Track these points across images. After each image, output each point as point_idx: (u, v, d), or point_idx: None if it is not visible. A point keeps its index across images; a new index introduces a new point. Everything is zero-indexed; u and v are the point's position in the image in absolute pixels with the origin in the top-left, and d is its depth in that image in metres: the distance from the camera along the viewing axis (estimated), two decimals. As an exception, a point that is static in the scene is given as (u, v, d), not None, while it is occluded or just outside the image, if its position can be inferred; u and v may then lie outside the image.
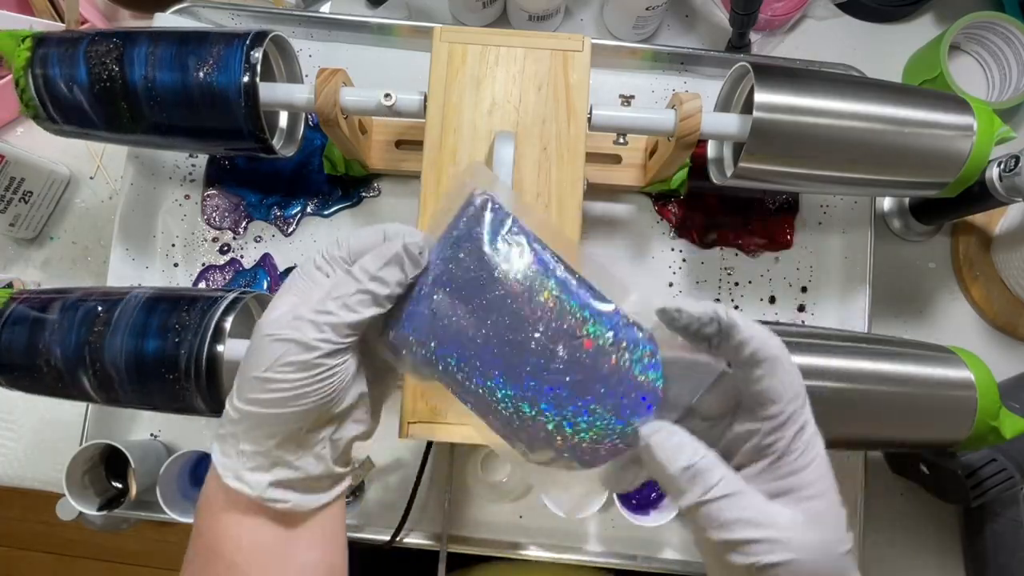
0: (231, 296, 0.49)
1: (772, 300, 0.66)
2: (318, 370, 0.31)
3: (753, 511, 0.29)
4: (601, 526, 0.63)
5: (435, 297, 0.31)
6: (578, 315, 0.29)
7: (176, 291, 0.50)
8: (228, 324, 0.47)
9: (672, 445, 0.29)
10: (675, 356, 0.31)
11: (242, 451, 0.33)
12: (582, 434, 0.29)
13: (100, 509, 0.58)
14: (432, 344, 0.31)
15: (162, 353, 0.46)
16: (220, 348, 0.46)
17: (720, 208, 0.67)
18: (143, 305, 0.48)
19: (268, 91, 0.52)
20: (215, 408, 0.48)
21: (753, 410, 0.31)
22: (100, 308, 0.48)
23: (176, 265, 0.66)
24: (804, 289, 0.67)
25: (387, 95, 0.52)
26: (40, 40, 0.52)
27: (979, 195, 0.58)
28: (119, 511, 0.59)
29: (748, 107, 0.53)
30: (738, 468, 0.31)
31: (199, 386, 0.46)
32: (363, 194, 0.67)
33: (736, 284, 0.67)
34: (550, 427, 0.29)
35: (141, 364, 0.47)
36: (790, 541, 0.28)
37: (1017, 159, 0.54)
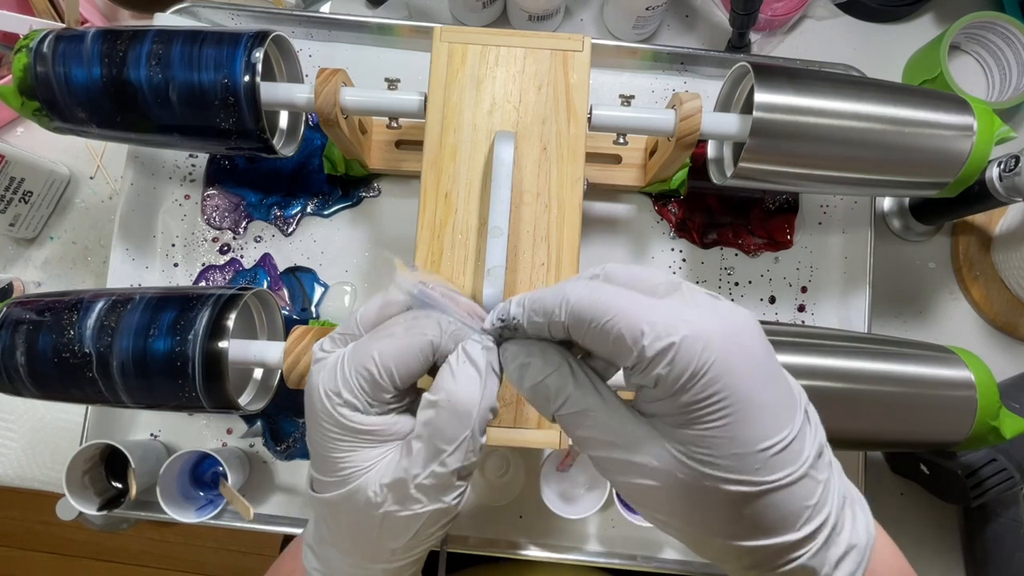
0: (230, 292, 0.49)
1: (772, 300, 0.66)
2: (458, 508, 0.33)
3: (603, 428, 0.29)
4: (601, 526, 0.63)
5: None
6: None
7: (177, 291, 0.51)
8: (231, 323, 0.47)
9: (518, 358, 0.30)
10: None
11: None
12: None
13: (100, 509, 0.58)
14: None
15: (165, 353, 0.47)
16: (223, 345, 0.46)
17: (720, 208, 0.67)
18: (145, 305, 0.48)
19: (269, 91, 0.52)
20: (218, 406, 0.48)
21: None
22: (101, 310, 0.48)
23: (176, 265, 0.66)
24: (804, 289, 0.67)
25: (391, 82, 0.53)
26: (41, 39, 0.52)
27: (979, 195, 0.58)
28: (119, 511, 0.59)
29: (748, 107, 0.53)
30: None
31: (204, 385, 0.47)
32: (363, 194, 0.67)
33: (736, 284, 0.67)
34: None
35: (145, 364, 0.47)
36: (648, 465, 0.27)
37: (1017, 159, 0.54)
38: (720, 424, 0.26)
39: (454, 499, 0.31)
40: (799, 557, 0.27)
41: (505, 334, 0.32)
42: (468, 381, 0.30)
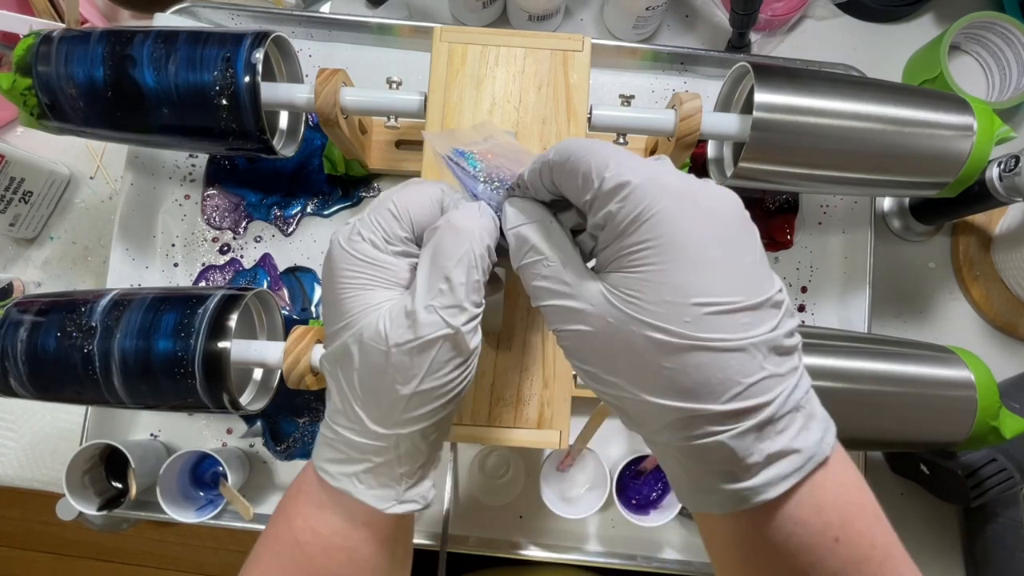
0: (231, 292, 0.49)
1: (772, 300, 0.66)
2: (472, 358, 0.32)
3: (553, 278, 0.29)
4: (601, 526, 0.63)
5: None
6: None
7: (178, 291, 0.51)
8: (232, 323, 0.47)
9: (509, 212, 0.32)
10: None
11: (402, 474, 0.33)
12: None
13: (100, 509, 0.58)
14: None
15: (167, 353, 0.47)
16: (226, 345, 0.46)
17: (720, 208, 0.67)
18: (147, 306, 0.48)
19: (269, 91, 0.52)
20: (219, 406, 0.48)
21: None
22: (102, 310, 0.48)
23: (176, 265, 0.66)
24: (804, 289, 0.67)
25: (393, 83, 0.53)
26: (42, 39, 0.52)
27: (979, 195, 0.58)
28: (119, 511, 0.59)
29: (748, 107, 0.53)
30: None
31: (205, 385, 0.47)
32: (363, 194, 0.67)
33: (736, 284, 0.67)
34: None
35: (147, 365, 0.47)
36: (585, 311, 0.28)
37: (1017, 159, 0.54)
38: (653, 268, 0.26)
39: (465, 325, 0.31)
40: (718, 433, 0.25)
41: (515, 194, 0.34)
42: (466, 209, 0.32)
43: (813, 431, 0.26)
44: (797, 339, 0.27)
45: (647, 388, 0.26)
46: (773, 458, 0.26)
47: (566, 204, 0.31)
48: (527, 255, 0.30)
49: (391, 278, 0.33)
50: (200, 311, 0.48)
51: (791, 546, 0.26)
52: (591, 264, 0.30)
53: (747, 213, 0.28)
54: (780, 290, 0.27)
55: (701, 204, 0.26)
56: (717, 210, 0.27)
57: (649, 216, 0.26)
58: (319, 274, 0.66)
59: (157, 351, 0.47)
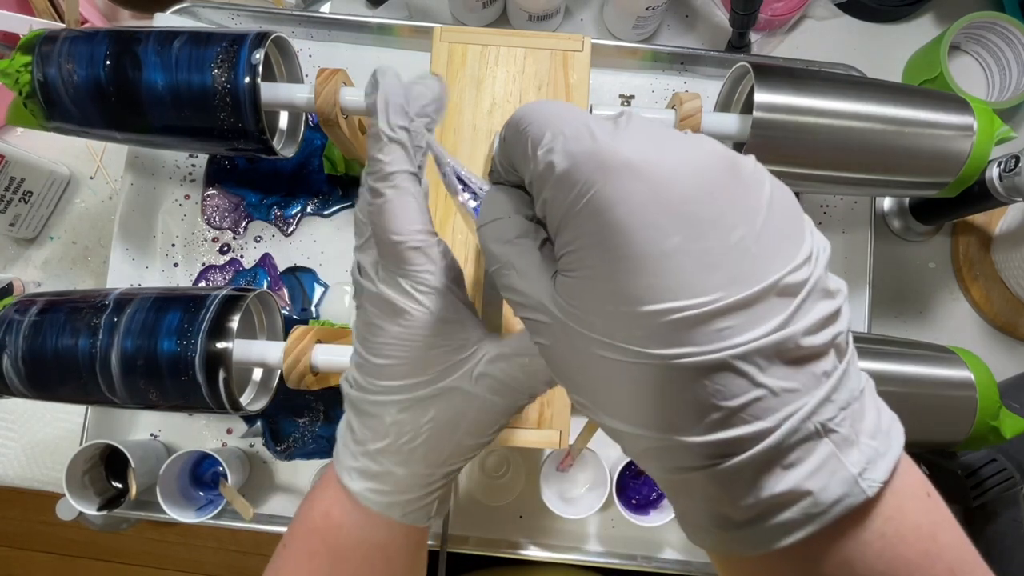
0: (232, 293, 0.49)
1: (772, 300, 0.66)
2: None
3: (516, 290, 0.24)
4: (601, 526, 0.63)
5: None
6: None
7: (179, 291, 0.51)
8: (234, 324, 0.47)
9: (482, 207, 0.27)
10: None
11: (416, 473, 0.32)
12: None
13: (100, 509, 0.58)
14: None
15: (169, 354, 0.47)
16: (228, 345, 0.46)
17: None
18: (148, 306, 0.48)
19: (269, 91, 0.52)
20: (221, 406, 0.48)
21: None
22: (103, 310, 0.48)
23: (176, 265, 0.66)
24: (804, 289, 0.67)
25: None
26: (42, 39, 0.52)
27: (979, 195, 0.58)
28: (119, 511, 0.59)
29: (748, 107, 0.53)
30: None
31: (207, 385, 0.47)
32: (363, 194, 0.67)
33: (736, 284, 0.67)
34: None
35: (149, 365, 0.47)
36: (540, 322, 0.23)
37: (1017, 159, 0.54)
38: (590, 269, 0.20)
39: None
40: (697, 468, 0.20)
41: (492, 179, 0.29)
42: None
43: (845, 464, 0.19)
44: (830, 333, 0.20)
45: (610, 412, 0.22)
46: (778, 502, 0.19)
47: None
48: (489, 262, 0.25)
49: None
50: (202, 312, 0.48)
51: None
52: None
53: (743, 167, 0.20)
54: (801, 265, 0.19)
55: (650, 179, 0.19)
56: (675, 181, 0.19)
57: (580, 206, 0.20)
58: (319, 274, 0.66)
59: (158, 351, 0.47)
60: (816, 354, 0.20)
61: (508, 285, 0.24)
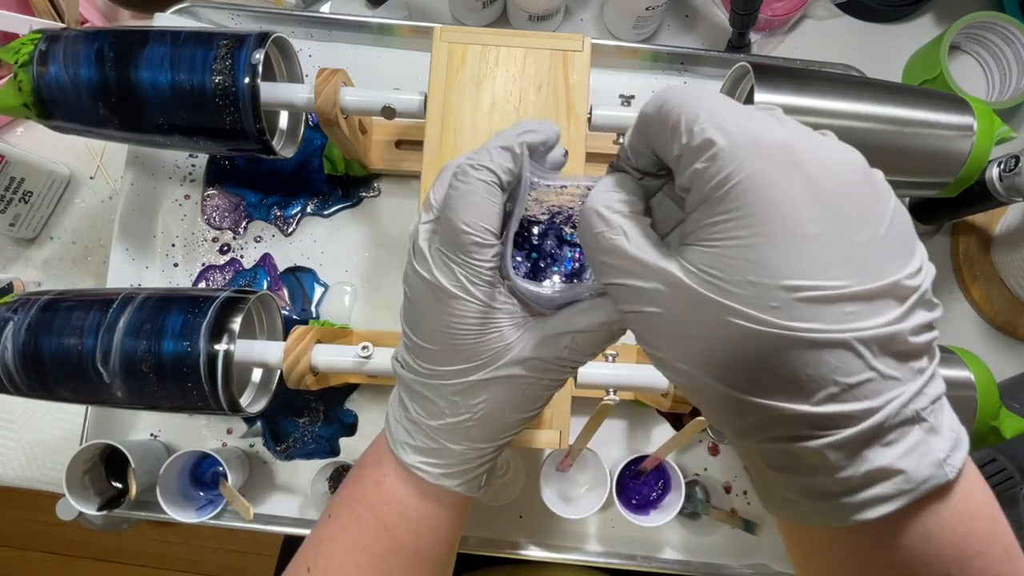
0: (233, 294, 0.49)
1: (772, 300, 0.66)
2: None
3: (623, 257, 0.25)
4: (601, 526, 0.63)
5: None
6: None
7: (180, 291, 0.51)
8: (236, 325, 0.47)
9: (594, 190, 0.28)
10: None
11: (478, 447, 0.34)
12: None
13: (100, 509, 0.58)
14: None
15: (170, 354, 0.47)
16: (230, 347, 0.46)
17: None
18: (149, 307, 0.48)
19: (269, 91, 0.52)
20: (222, 407, 0.48)
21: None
22: (104, 310, 0.48)
23: (176, 265, 0.66)
24: (804, 289, 0.67)
25: (387, 108, 0.53)
26: (42, 39, 0.52)
27: (979, 195, 0.58)
28: (119, 511, 0.59)
29: (748, 107, 0.53)
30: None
31: (209, 386, 0.47)
32: (363, 194, 0.67)
33: (736, 284, 0.67)
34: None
35: (150, 365, 0.47)
36: (655, 290, 0.24)
37: (1017, 159, 0.54)
38: (737, 243, 0.22)
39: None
40: (806, 439, 0.22)
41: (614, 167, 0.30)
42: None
43: (933, 449, 0.22)
44: (929, 337, 0.23)
45: (723, 377, 0.23)
46: (873, 476, 0.22)
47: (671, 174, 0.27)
48: (592, 225, 0.26)
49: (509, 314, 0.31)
50: (203, 313, 0.48)
51: (887, 571, 0.23)
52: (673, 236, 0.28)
53: (876, 177, 0.23)
54: (914, 274, 0.22)
55: (805, 167, 0.22)
56: (826, 175, 0.22)
57: (736, 181, 0.22)
58: (319, 274, 0.66)
59: (160, 352, 0.47)
60: (916, 352, 0.22)
61: (615, 248, 0.25)
